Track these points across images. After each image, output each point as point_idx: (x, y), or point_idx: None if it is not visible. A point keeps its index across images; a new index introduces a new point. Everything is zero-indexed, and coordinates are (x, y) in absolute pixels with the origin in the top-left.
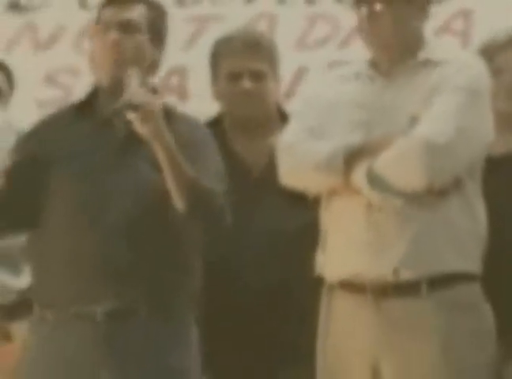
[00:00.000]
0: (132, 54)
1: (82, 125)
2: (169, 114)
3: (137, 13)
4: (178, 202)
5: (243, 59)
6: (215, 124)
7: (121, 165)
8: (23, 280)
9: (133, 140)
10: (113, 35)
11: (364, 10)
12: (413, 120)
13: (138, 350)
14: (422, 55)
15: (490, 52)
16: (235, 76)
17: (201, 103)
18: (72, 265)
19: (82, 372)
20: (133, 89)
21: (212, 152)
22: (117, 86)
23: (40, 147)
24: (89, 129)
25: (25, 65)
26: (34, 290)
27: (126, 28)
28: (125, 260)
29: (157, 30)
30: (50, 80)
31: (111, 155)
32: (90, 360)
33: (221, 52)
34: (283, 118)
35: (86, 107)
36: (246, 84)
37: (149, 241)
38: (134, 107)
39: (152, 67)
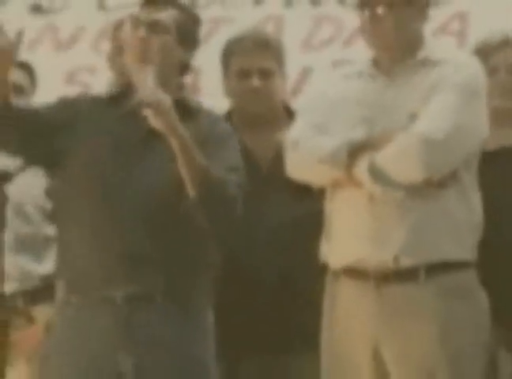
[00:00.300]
0: (157, 52)
1: (111, 115)
2: (191, 110)
3: (167, 15)
4: (191, 191)
5: (253, 58)
6: (225, 120)
7: (142, 155)
8: (45, 266)
9: (155, 133)
10: (141, 32)
11: (367, 13)
12: (413, 117)
13: (155, 335)
14: (421, 55)
15: (485, 52)
16: (244, 74)
17: (213, 101)
18: (94, 252)
19: (102, 354)
20: (147, 87)
21: (230, 146)
22: None
23: (75, 117)
24: (116, 120)
25: (47, 65)
26: (60, 275)
27: (154, 27)
28: (143, 248)
29: (186, 33)
30: (70, 78)
31: (133, 146)
32: (110, 343)
33: (232, 51)
34: (289, 114)
35: (118, 98)
36: (255, 81)
37: (168, 230)
38: (147, 104)
39: (181, 68)
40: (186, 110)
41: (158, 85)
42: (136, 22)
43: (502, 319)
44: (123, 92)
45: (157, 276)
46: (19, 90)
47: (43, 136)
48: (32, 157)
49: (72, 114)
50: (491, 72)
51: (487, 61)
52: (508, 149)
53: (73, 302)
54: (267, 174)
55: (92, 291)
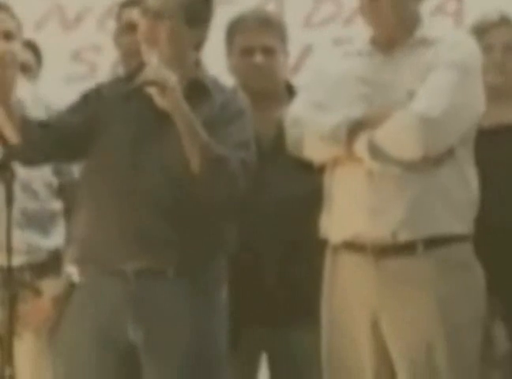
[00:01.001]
0: (165, 39)
1: (127, 95)
2: (206, 88)
3: (172, 1)
4: (194, 167)
5: (256, 35)
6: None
7: (157, 134)
8: (52, 241)
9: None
10: (148, 21)
11: None
12: (411, 95)
13: (164, 309)
14: (419, 34)
15: (482, 30)
16: (247, 51)
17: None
18: (109, 227)
19: (113, 325)
20: (151, 67)
21: (240, 123)
22: None
23: (97, 107)
24: (131, 102)
25: (53, 44)
26: (77, 247)
27: (161, 14)
28: (157, 224)
29: (195, 12)
30: (76, 57)
31: (148, 125)
32: (120, 315)
33: (235, 29)
34: (290, 91)
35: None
36: (258, 58)
37: (182, 207)
38: (151, 83)
39: (194, 46)
40: (201, 88)
41: (164, 64)
42: (144, 10)
43: (497, 290)
44: (136, 71)
45: (170, 252)
46: (26, 69)
47: (75, 140)
48: (71, 158)
49: (93, 108)
50: (487, 49)
51: (483, 39)
52: (502, 127)
53: (88, 273)
54: (269, 150)
55: (105, 265)
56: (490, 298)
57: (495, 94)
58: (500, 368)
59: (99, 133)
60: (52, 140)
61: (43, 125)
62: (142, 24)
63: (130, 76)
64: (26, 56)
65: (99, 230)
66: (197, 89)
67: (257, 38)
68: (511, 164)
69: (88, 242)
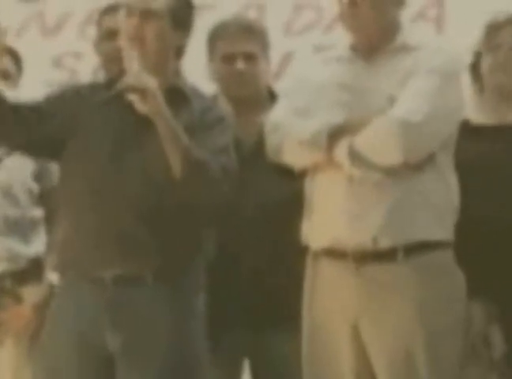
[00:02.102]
0: (151, 40)
1: (106, 101)
2: (185, 96)
3: (160, 1)
4: (175, 171)
5: (237, 42)
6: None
7: (136, 140)
8: (32, 248)
9: (147, 117)
10: (134, 20)
11: None
12: (391, 101)
13: (143, 316)
14: (399, 40)
15: (491, 29)
16: (229, 58)
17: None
18: (88, 233)
19: (91, 332)
20: (132, 72)
21: (219, 130)
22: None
23: (69, 111)
24: (110, 105)
25: (34, 50)
26: (57, 253)
27: (147, 15)
28: (136, 231)
29: (180, 17)
30: (56, 63)
31: (127, 131)
32: (98, 322)
33: (217, 36)
34: (272, 97)
35: (113, 84)
36: (240, 65)
37: (161, 214)
38: (132, 88)
39: (176, 52)
40: (180, 95)
41: (145, 70)
42: (129, 10)
43: (491, 293)
44: (117, 78)
45: (149, 259)
46: (6, 76)
47: (43, 124)
48: (32, 147)
49: (71, 104)
50: (495, 49)
51: (492, 39)
52: (507, 126)
53: (67, 279)
54: (250, 156)
55: (83, 271)
56: (485, 302)
57: (500, 93)
58: (497, 371)
59: (75, 135)
60: (24, 130)
61: (17, 111)
62: (128, 23)
63: (110, 82)
64: (6, 63)
65: (78, 236)
66: (177, 96)
67: (239, 44)
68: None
69: (67, 248)
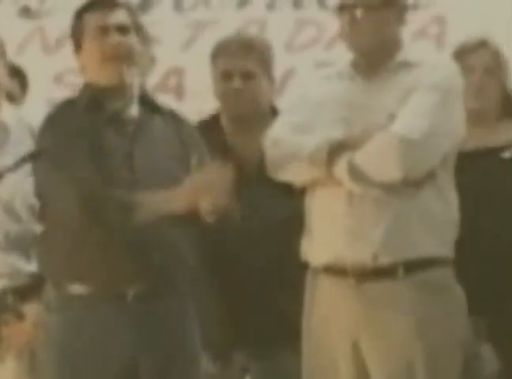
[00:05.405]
0: (128, 54)
1: (90, 122)
2: (157, 106)
3: (125, 16)
4: None
5: (235, 60)
6: (213, 120)
7: (126, 165)
8: (34, 264)
9: (140, 136)
10: (114, 37)
11: (346, 16)
12: (391, 117)
13: (165, 331)
14: (400, 57)
15: (462, 53)
16: (227, 76)
17: (197, 101)
18: (109, 252)
19: (112, 348)
20: None
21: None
22: (120, 84)
23: (54, 141)
24: (97, 126)
25: (35, 67)
26: (70, 268)
27: (122, 30)
28: (148, 254)
29: (141, 30)
30: (58, 80)
31: (116, 155)
32: (119, 339)
33: (217, 53)
34: (275, 115)
35: (92, 105)
36: (236, 83)
37: (162, 238)
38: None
39: (149, 63)
40: (152, 104)
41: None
42: (104, 27)
43: (482, 311)
44: (98, 99)
45: (158, 276)
46: (10, 98)
47: None
48: None
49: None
50: (467, 72)
51: (464, 62)
52: (482, 150)
53: (79, 298)
54: (252, 173)
55: (103, 288)
56: (476, 319)
57: (474, 117)
58: None
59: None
60: None
61: None
62: (111, 40)
63: (79, 98)
64: (11, 85)
65: (89, 252)
66: (148, 104)
67: (236, 62)
68: (489, 187)
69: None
